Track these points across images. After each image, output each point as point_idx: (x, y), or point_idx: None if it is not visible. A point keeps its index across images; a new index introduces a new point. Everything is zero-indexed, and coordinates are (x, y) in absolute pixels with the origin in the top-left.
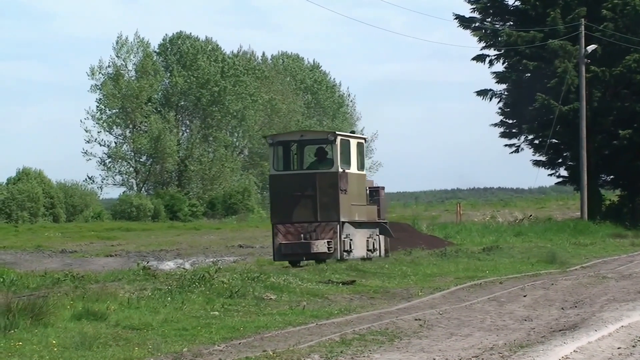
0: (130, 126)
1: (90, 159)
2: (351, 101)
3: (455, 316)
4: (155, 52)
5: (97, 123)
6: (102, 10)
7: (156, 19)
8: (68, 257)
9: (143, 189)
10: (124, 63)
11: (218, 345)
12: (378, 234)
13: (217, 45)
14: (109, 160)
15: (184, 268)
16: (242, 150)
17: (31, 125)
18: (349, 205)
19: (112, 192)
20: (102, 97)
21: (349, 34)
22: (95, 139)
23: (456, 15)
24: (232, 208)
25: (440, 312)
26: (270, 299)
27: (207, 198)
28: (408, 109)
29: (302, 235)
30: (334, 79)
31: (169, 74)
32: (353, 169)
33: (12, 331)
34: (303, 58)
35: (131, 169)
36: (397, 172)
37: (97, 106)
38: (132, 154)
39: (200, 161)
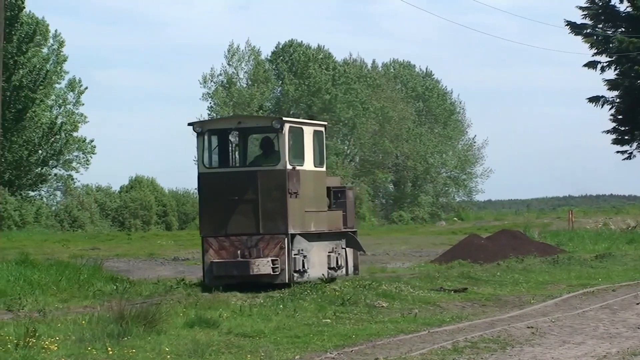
0: None
1: None
2: (462, 108)
3: (567, 324)
4: (267, 60)
5: None
6: (214, 19)
7: (268, 28)
8: (180, 265)
9: None
10: (235, 71)
11: (330, 353)
12: (344, 246)
13: (329, 53)
14: None
15: None
16: (353, 158)
17: (144, 134)
18: (302, 212)
19: None
20: (213, 105)
21: (460, 40)
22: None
23: (567, 21)
24: None
25: (553, 320)
26: (382, 306)
27: None
28: (519, 115)
29: (239, 251)
30: (445, 86)
31: (280, 82)
32: (308, 164)
33: (126, 338)
34: (414, 65)
35: None
36: (508, 179)
37: (209, 114)
38: None
39: None
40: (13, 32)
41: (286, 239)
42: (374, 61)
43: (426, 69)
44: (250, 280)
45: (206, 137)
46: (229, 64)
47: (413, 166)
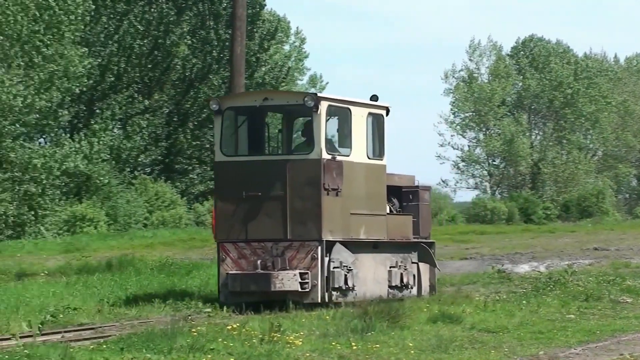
0: (484, 129)
1: (443, 163)
2: None
3: None
4: (507, 55)
5: (450, 127)
6: (456, 16)
7: (508, 23)
8: None
9: (496, 192)
10: (476, 67)
11: (574, 349)
12: (415, 261)
13: (568, 47)
14: (463, 163)
15: (538, 271)
16: (595, 153)
17: (386, 130)
18: (346, 214)
19: (466, 195)
20: (455, 101)
21: None
22: (449, 143)
23: None
24: (587, 211)
25: None
26: (627, 302)
27: (561, 201)
28: None
29: (259, 261)
30: None
31: (521, 77)
32: (358, 155)
33: (369, 334)
34: None
35: (484, 172)
36: None
37: (451, 109)
38: (485, 157)
39: (553, 164)
40: (255, 30)
41: (319, 248)
42: (615, 55)
43: None
44: (275, 298)
45: (225, 117)
46: (470, 60)
47: None
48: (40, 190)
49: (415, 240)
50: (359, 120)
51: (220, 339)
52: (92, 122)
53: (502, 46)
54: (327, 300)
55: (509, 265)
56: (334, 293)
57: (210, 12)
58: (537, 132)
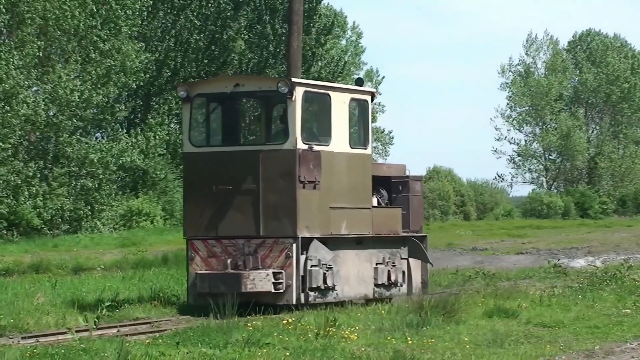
0: (540, 124)
1: (500, 157)
2: None
3: None
4: (564, 49)
5: (506, 121)
6: (513, 10)
7: (565, 17)
8: (479, 255)
9: (553, 187)
10: (533, 61)
11: (630, 343)
12: (404, 256)
13: (626, 41)
14: (519, 158)
15: (594, 266)
16: None
17: (442, 124)
18: (325, 208)
19: (522, 190)
20: (511, 95)
21: None
22: (505, 137)
23: None
24: None
25: None
26: None
27: (618, 195)
28: None
29: (230, 260)
30: None
31: (578, 71)
32: (339, 144)
33: (425, 328)
34: None
35: (541, 166)
36: None
37: (507, 104)
38: (542, 151)
39: (610, 158)
40: (311, 25)
41: (294, 245)
42: None
43: None
44: (247, 300)
45: (194, 105)
46: (526, 54)
47: None
48: (96, 185)
49: (405, 234)
50: (340, 107)
51: (275, 334)
52: (149, 117)
53: (559, 40)
54: (303, 301)
55: (565, 260)
56: (311, 294)
57: (267, 6)
58: (593, 126)
